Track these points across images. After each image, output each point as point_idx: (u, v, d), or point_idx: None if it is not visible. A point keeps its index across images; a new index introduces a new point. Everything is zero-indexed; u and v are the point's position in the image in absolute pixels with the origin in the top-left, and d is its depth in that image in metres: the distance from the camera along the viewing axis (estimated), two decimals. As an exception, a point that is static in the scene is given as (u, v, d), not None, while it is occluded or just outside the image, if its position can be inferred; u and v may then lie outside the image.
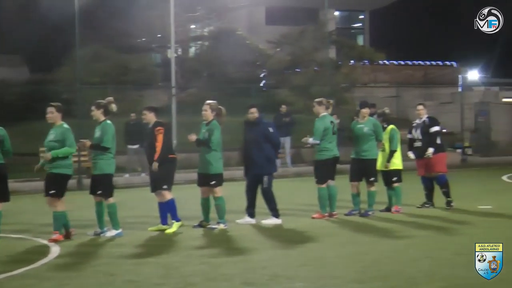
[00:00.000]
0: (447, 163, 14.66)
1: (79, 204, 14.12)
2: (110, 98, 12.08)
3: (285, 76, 34.86)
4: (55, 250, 10.55)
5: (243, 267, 8.96)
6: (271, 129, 12.88)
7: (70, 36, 26.73)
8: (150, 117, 12.28)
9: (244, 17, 40.97)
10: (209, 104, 12.54)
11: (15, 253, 10.54)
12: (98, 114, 11.89)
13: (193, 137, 12.31)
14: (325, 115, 13.32)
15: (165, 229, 12.11)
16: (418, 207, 14.34)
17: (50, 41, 32.09)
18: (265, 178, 12.75)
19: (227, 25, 38.28)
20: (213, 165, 12.34)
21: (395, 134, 14.06)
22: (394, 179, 13.99)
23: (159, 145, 12.00)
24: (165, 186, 12.11)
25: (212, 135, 12.28)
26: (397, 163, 14.01)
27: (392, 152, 13.95)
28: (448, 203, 14.25)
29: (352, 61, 35.96)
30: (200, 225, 12.54)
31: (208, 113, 12.47)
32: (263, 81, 36.53)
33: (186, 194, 18.50)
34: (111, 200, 11.75)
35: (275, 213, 12.87)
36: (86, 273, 8.91)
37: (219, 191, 12.42)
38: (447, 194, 14.31)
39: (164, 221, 12.27)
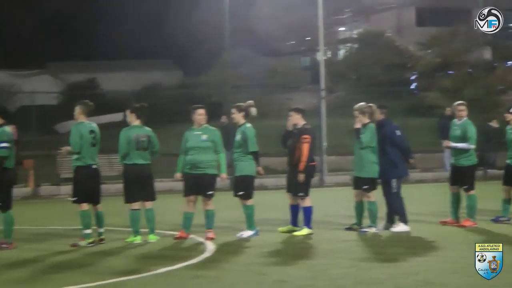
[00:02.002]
0: None
1: (228, 204, 14.29)
2: (251, 102, 12.14)
3: (435, 78, 34.02)
4: (210, 248, 10.77)
5: (394, 272, 8.75)
6: (398, 132, 12.44)
7: (219, 40, 27.29)
8: (297, 119, 12.23)
9: (393, 19, 40.35)
10: (358, 109, 12.27)
11: (174, 249, 10.93)
12: (238, 117, 11.99)
13: None
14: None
15: (295, 230, 12.11)
16: None
17: (201, 45, 32.95)
18: (393, 183, 12.30)
19: (375, 27, 37.88)
20: (366, 169, 12.12)
21: None
22: None
23: (304, 154, 11.94)
24: (301, 194, 12.07)
25: (368, 138, 12.04)
26: None
27: None
28: None
29: (508, 63, 34.60)
30: (351, 228, 12.38)
31: (360, 118, 12.22)
32: (414, 84, 35.84)
33: (336, 196, 18.47)
34: (249, 202, 11.83)
35: (404, 219, 12.36)
36: (238, 271, 9.02)
37: (372, 195, 12.17)
38: None
39: (294, 223, 12.29)
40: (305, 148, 11.95)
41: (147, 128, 11.63)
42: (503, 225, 12.34)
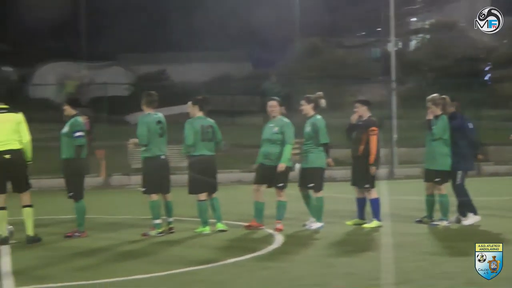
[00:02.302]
0: None
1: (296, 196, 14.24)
2: (320, 93, 12.04)
3: (511, 69, 33.22)
4: (279, 239, 10.75)
5: (465, 266, 8.55)
6: (470, 125, 12.16)
7: (290, 32, 27.25)
8: (363, 111, 12.14)
9: (466, 9, 39.54)
10: (431, 100, 12.03)
11: (243, 240, 10.96)
12: (307, 108, 11.92)
13: None
14: None
15: (362, 223, 12.01)
16: None
17: (272, 36, 32.99)
18: (458, 175, 12.03)
19: (448, 17, 37.23)
20: (438, 161, 11.90)
21: None
22: None
23: (374, 147, 11.82)
24: (366, 186, 11.98)
25: (440, 130, 11.81)
26: None
27: None
28: None
29: None
30: (422, 221, 12.18)
31: (433, 110, 11.96)
32: (488, 75, 35.08)
33: (407, 189, 18.23)
34: (320, 193, 11.74)
35: (472, 209, 12.10)
36: (307, 262, 8.99)
37: (444, 188, 11.95)
38: None
39: (361, 216, 12.21)
40: (374, 140, 11.85)
41: (210, 120, 11.68)
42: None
